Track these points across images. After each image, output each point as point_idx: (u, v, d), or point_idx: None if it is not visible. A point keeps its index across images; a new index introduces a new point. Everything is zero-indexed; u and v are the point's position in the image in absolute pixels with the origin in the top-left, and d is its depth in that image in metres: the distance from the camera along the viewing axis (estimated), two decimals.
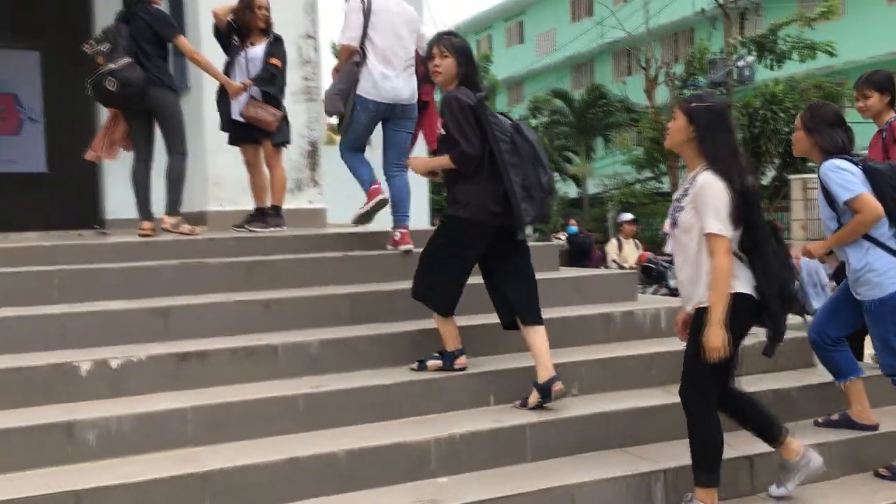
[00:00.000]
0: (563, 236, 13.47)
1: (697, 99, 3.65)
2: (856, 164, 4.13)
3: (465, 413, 4.12)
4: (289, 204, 6.56)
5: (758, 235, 3.52)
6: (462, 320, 4.46)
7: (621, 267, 9.88)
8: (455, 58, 4.17)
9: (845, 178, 4.04)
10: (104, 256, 4.92)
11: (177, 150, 5.67)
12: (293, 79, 6.71)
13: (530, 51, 37.13)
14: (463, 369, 4.27)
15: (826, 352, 4.43)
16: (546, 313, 4.28)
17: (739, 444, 3.92)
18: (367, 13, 5.10)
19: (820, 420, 4.50)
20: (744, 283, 3.51)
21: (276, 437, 3.76)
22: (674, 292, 8.58)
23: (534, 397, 4.11)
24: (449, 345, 4.30)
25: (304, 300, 4.65)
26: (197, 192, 6.81)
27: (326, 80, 5.93)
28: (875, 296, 4.08)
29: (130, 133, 5.70)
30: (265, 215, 6.13)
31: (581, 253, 12.28)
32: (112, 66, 5.32)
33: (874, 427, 4.39)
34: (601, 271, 7.98)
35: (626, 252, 10.33)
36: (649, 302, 5.58)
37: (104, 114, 6.01)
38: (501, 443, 3.91)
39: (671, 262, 9.21)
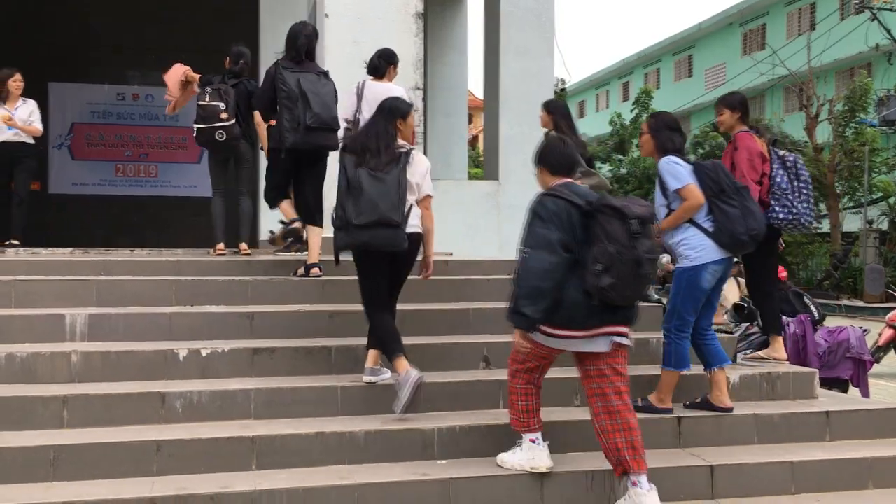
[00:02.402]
0: None
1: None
2: (689, 162, 4.94)
3: (475, 412, 4.96)
4: None
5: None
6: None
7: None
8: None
9: (677, 170, 4.89)
10: (214, 270, 6.21)
11: (246, 191, 7.40)
12: None
13: (699, 84, 36.94)
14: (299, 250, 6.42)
15: (698, 342, 5.10)
16: None
17: None
18: (359, 95, 6.65)
19: (686, 403, 5.21)
20: None
21: (315, 417, 4.79)
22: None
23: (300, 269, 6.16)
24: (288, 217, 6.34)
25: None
26: None
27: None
28: (683, 265, 4.89)
29: (212, 173, 7.41)
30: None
31: None
32: (225, 123, 6.90)
33: (729, 409, 5.11)
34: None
35: (726, 290, 10.59)
36: None
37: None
38: (496, 436, 4.73)
39: None
